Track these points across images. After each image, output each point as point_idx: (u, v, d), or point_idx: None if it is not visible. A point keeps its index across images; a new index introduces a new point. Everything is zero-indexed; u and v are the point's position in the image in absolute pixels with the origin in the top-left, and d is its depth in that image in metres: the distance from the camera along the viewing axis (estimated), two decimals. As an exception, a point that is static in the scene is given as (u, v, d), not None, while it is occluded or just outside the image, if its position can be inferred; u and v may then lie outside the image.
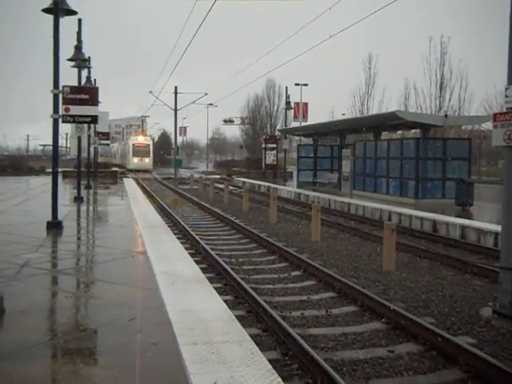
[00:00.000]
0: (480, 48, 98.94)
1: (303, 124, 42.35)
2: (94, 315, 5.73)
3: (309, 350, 5.85)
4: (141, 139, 62.09)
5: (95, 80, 27.02)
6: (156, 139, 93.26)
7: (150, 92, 47.49)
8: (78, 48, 18.39)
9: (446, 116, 23.54)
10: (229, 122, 68.80)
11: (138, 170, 55.64)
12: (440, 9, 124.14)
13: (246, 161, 54.56)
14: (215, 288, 7.10)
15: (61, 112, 12.20)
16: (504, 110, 8.03)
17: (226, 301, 6.55)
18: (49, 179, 13.46)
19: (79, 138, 21.02)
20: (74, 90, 12.81)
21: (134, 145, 60.24)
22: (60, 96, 12.06)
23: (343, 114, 51.09)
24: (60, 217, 12.09)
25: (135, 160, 59.19)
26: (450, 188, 20.17)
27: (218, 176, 47.18)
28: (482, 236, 13.63)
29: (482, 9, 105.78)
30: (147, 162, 60.26)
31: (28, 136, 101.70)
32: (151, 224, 12.79)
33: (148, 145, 61.25)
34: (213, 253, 11.54)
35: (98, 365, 4.41)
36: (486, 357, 5.76)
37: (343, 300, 8.57)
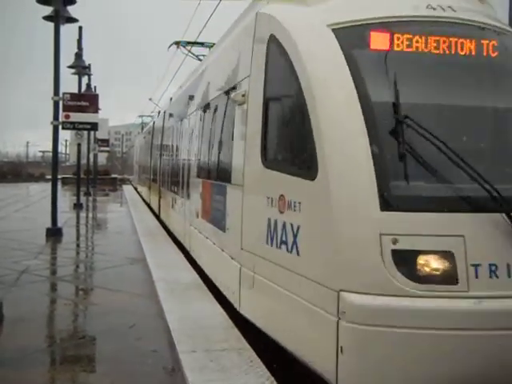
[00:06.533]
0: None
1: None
2: (93, 322, 5.73)
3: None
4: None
5: (95, 87, 27.09)
6: None
7: (150, 99, 46.76)
8: (79, 55, 18.50)
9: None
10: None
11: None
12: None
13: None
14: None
15: (61, 119, 12.25)
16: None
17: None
18: (48, 186, 13.47)
19: (79, 145, 21.07)
20: (75, 96, 12.89)
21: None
22: (60, 103, 12.10)
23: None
24: (59, 223, 12.09)
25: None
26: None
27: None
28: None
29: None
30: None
31: (27, 142, 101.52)
32: (150, 231, 12.78)
33: None
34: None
35: (97, 372, 4.41)
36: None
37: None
